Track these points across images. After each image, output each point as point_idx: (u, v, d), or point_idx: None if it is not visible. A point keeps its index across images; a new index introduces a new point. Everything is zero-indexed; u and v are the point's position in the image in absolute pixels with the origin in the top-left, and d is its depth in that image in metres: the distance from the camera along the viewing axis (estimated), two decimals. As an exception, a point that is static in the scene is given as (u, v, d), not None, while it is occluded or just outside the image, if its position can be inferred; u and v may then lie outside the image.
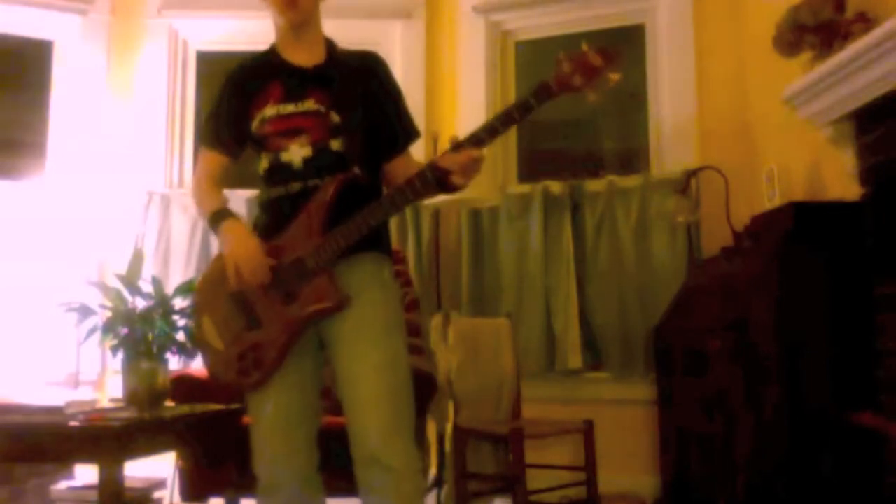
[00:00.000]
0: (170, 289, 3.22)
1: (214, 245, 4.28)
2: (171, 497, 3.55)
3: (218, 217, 2.09)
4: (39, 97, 4.50)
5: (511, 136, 4.49)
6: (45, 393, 3.33)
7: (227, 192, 4.71)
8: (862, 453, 2.56)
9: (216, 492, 3.15)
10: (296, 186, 2.04)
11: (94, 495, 2.85)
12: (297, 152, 2.05)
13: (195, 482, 3.19)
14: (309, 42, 2.14)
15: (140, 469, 3.20)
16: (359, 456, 1.96)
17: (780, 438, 2.65)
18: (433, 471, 3.63)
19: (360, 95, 2.09)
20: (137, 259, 3.07)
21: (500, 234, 4.19)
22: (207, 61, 4.68)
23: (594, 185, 4.15)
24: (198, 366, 3.92)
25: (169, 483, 3.66)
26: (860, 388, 2.59)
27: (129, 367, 2.80)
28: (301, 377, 2.07)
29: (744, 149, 3.87)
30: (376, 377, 1.96)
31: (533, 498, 3.40)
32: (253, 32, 4.60)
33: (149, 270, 3.86)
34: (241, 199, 4.33)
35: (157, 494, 3.68)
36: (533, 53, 4.56)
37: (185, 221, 4.33)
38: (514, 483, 3.30)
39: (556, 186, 4.14)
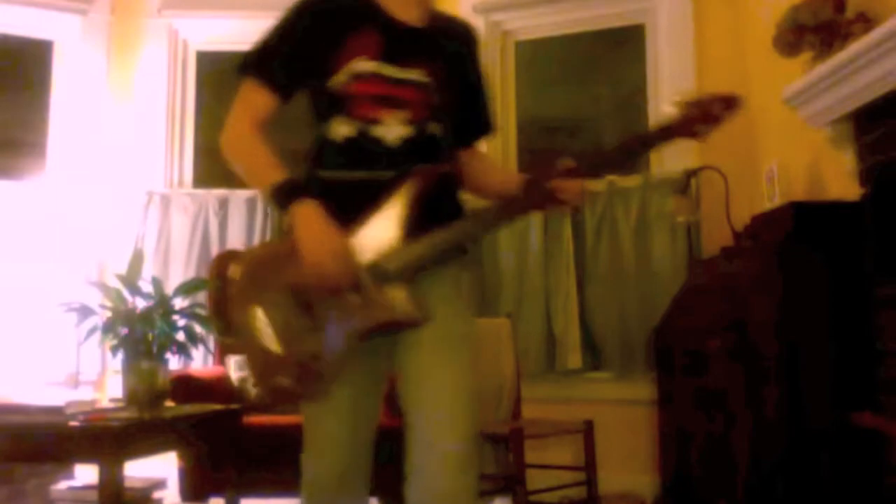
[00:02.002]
0: (170, 289, 3.23)
1: (215, 245, 4.29)
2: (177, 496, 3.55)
3: (288, 192, 1.64)
4: (39, 97, 4.50)
5: (511, 136, 4.49)
6: (45, 393, 3.33)
7: (225, 191, 4.77)
8: (861, 453, 2.56)
9: (216, 492, 3.15)
10: (388, 173, 1.67)
11: (94, 495, 2.86)
12: (394, 129, 1.68)
13: (195, 482, 3.19)
14: None
15: (140, 469, 3.20)
16: (422, 469, 1.66)
17: (779, 438, 2.65)
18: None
19: (455, 74, 1.78)
20: (137, 259, 3.08)
21: (499, 233, 4.19)
22: (207, 61, 4.69)
23: (594, 185, 4.14)
24: (197, 366, 3.93)
25: (169, 483, 3.66)
26: (860, 388, 2.59)
27: (129, 367, 2.80)
28: (370, 381, 1.77)
29: (744, 149, 3.87)
30: (455, 398, 1.68)
31: (533, 498, 3.40)
32: (253, 32, 4.59)
33: (149, 270, 3.87)
34: (240, 200, 4.33)
35: (157, 494, 3.68)
36: (533, 53, 4.56)
37: (185, 221, 4.33)
38: (514, 483, 3.30)
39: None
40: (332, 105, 1.70)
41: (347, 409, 1.71)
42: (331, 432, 1.72)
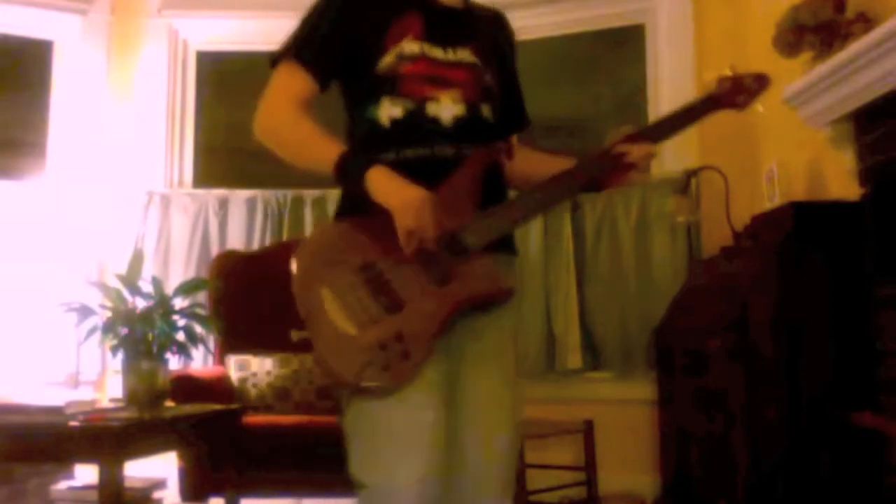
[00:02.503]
0: (170, 289, 3.23)
1: (215, 245, 4.29)
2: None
3: (359, 161, 1.56)
4: (39, 97, 4.50)
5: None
6: (45, 393, 3.33)
7: (225, 191, 4.77)
8: (861, 453, 2.56)
9: (216, 492, 3.15)
10: (447, 151, 1.61)
11: (94, 495, 2.86)
12: (448, 108, 1.62)
13: (195, 482, 3.19)
14: None
15: (140, 469, 3.20)
16: (466, 491, 1.60)
17: (779, 438, 2.65)
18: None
19: (495, 54, 1.75)
20: (137, 259, 3.08)
21: (499, 234, 4.18)
22: (207, 61, 4.69)
23: (594, 186, 4.14)
24: (197, 366, 3.93)
25: (169, 483, 3.66)
26: (860, 388, 2.59)
27: (129, 367, 2.80)
28: (448, 377, 1.61)
29: (744, 149, 3.87)
30: (506, 421, 1.63)
31: (533, 498, 3.40)
32: (253, 32, 4.61)
33: (149, 270, 3.87)
34: (240, 200, 4.33)
35: (157, 494, 3.68)
36: (532, 53, 4.55)
37: (185, 221, 4.33)
38: (514, 483, 3.30)
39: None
40: (378, 87, 1.63)
41: (440, 395, 1.55)
42: (424, 423, 1.52)
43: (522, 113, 1.90)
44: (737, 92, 1.81)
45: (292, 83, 1.64)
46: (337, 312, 1.53)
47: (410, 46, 1.63)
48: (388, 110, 1.62)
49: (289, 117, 1.63)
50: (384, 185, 1.53)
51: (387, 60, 1.62)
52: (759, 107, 1.87)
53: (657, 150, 1.76)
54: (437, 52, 1.64)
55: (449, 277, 1.55)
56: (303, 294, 1.56)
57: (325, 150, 1.58)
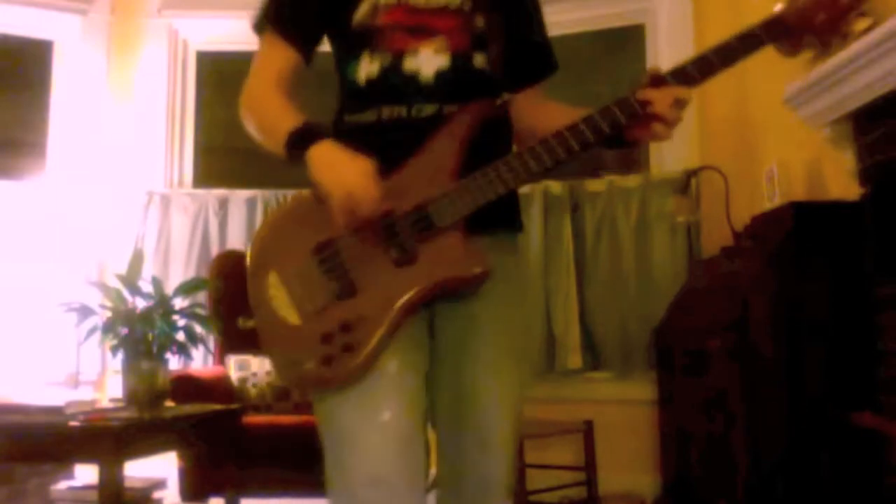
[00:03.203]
0: (170, 289, 3.23)
1: (215, 245, 4.29)
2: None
3: (303, 137, 1.37)
4: (39, 97, 4.50)
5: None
6: (45, 393, 3.33)
7: (225, 191, 4.76)
8: (861, 453, 2.56)
9: (216, 492, 3.15)
10: (427, 109, 1.42)
11: (94, 495, 2.86)
12: (429, 60, 1.42)
13: (195, 482, 3.19)
14: None
15: (140, 469, 3.20)
16: (456, 481, 1.50)
17: (779, 438, 2.65)
18: (433, 471, 3.63)
19: (500, 4, 1.52)
20: (137, 259, 3.08)
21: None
22: (207, 61, 4.69)
23: (594, 185, 4.14)
24: (197, 366, 3.93)
25: (169, 483, 3.66)
26: (860, 388, 2.59)
27: (129, 367, 2.80)
28: (422, 356, 1.44)
29: (744, 149, 3.87)
30: (505, 412, 1.47)
31: (533, 498, 3.40)
32: (253, 32, 4.61)
33: (149, 270, 3.87)
34: (240, 200, 4.33)
35: (157, 494, 3.68)
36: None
37: (185, 221, 4.33)
38: (514, 483, 3.30)
39: (556, 186, 4.14)
40: (358, 43, 1.46)
41: (406, 388, 1.38)
42: (383, 416, 1.35)
43: (547, 57, 1.64)
44: (821, 7, 1.42)
45: (272, 55, 1.52)
46: (281, 300, 1.39)
47: None
48: (366, 68, 1.45)
49: (257, 96, 1.50)
50: (321, 163, 1.34)
51: (362, 11, 1.45)
52: (859, 24, 1.46)
53: (690, 96, 1.41)
54: None
55: (411, 259, 1.36)
56: (251, 278, 1.42)
57: (279, 129, 1.39)
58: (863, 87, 2.57)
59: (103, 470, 2.32)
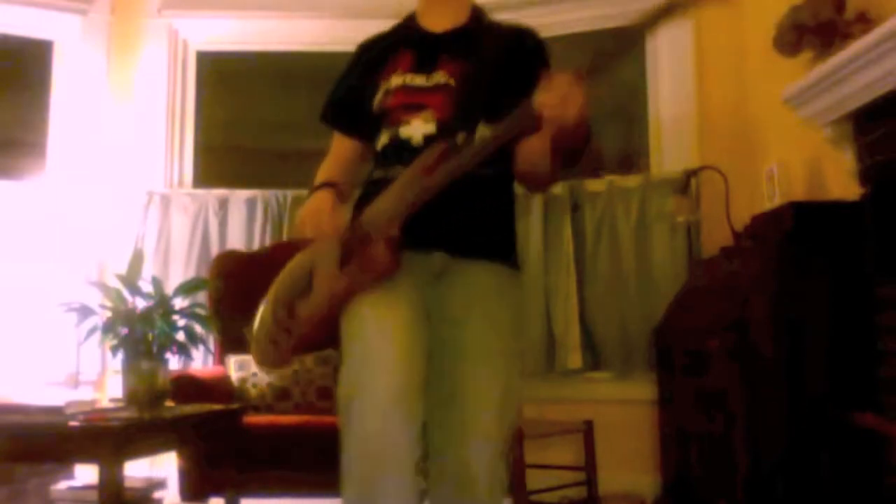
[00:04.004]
0: (170, 289, 3.23)
1: (215, 245, 4.29)
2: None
3: (315, 189, 1.82)
4: (39, 97, 4.50)
5: (511, 136, 4.49)
6: (45, 393, 3.33)
7: (225, 191, 4.75)
8: (861, 453, 2.56)
9: (216, 492, 3.15)
10: None
11: (94, 495, 2.86)
12: (418, 128, 1.76)
13: (195, 482, 3.19)
14: (452, 6, 1.87)
15: (140, 469, 3.21)
16: (444, 477, 1.64)
17: (779, 438, 2.65)
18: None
19: (499, 66, 1.78)
20: (137, 259, 3.08)
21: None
22: (207, 61, 4.68)
23: (594, 185, 4.14)
24: (197, 366, 3.93)
25: (169, 483, 3.67)
26: (860, 389, 2.59)
27: (129, 367, 2.80)
28: (417, 312, 1.68)
29: (744, 149, 3.87)
30: (487, 407, 1.63)
31: (533, 498, 3.40)
32: (253, 32, 4.62)
33: (149, 270, 3.87)
34: (240, 200, 4.33)
35: (157, 494, 3.68)
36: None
37: (185, 221, 4.33)
38: (514, 483, 3.30)
39: (555, 186, 4.14)
40: (378, 123, 1.82)
41: (403, 321, 1.63)
42: (382, 349, 1.59)
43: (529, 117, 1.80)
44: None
45: (335, 145, 1.94)
46: (275, 299, 1.81)
47: (394, 80, 1.80)
48: (381, 140, 1.81)
49: (321, 168, 1.92)
50: (310, 202, 1.78)
51: (378, 98, 1.82)
52: None
53: (574, 82, 1.50)
54: (420, 80, 1.79)
55: (347, 262, 1.67)
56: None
57: (316, 181, 1.84)
58: (863, 87, 2.57)
59: (103, 470, 2.32)
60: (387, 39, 1.90)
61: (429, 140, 1.73)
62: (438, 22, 1.86)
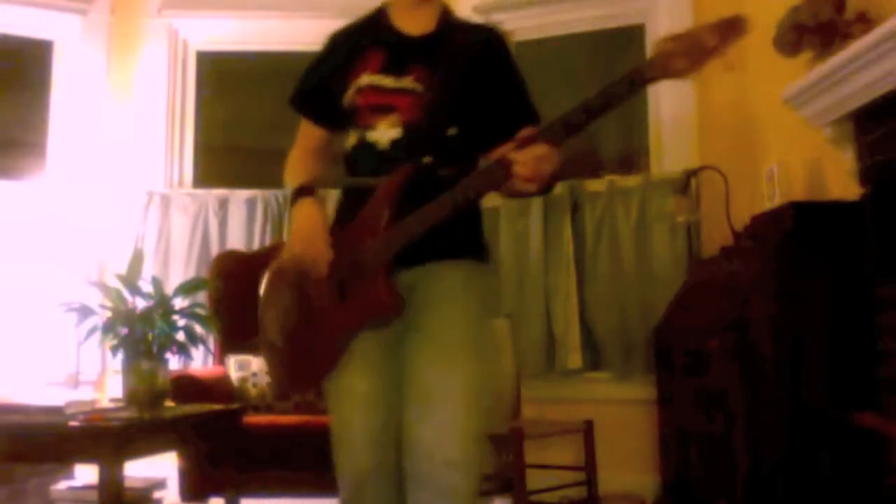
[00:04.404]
0: (170, 289, 3.23)
1: (215, 245, 4.29)
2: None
3: (296, 195, 1.84)
4: (39, 97, 4.50)
5: (511, 136, 4.49)
6: (45, 393, 3.33)
7: (225, 191, 4.75)
8: (862, 453, 2.56)
9: (216, 492, 3.15)
10: (381, 175, 1.77)
11: (94, 495, 2.86)
12: (384, 132, 1.78)
13: (195, 482, 3.19)
14: (425, 10, 1.88)
15: (140, 469, 3.20)
16: (415, 473, 1.67)
17: (779, 438, 2.65)
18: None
19: (468, 75, 1.82)
20: (137, 259, 3.07)
21: (500, 234, 4.19)
22: (207, 61, 4.68)
23: (594, 185, 4.15)
24: (197, 366, 3.93)
25: (169, 483, 3.66)
26: (860, 389, 2.59)
27: (129, 367, 2.80)
28: (392, 376, 1.76)
29: (744, 149, 3.87)
30: (451, 401, 1.67)
31: (533, 498, 3.40)
32: (253, 32, 4.62)
33: (149, 270, 3.87)
34: (240, 200, 4.33)
35: (157, 494, 3.68)
36: (533, 53, 4.55)
37: (185, 221, 4.33)
38: (514, 483, 3.30)
39: (556, 186, 4.14)
40: (348, 120, 1.85)
41: (365, 401, 1.74)
42: (350, 422, 1.75)
43: (528, 112, 1.87)
44: (683, 53, 1.57)
45: (304, 131, 1.96)
46: (273, 328, 1.87)
47: (364, 80, 1.81)
48: (349, 140, 1.85)
49: (291, 155, 1.95)
50: (294, 218, 1.81)
51: (348, 95, 1.83)
52: (692, 75, 1.55)
53: (549, 152, 1.60)
54: (388, 81, 1.81)
55: (348, 295, 1.75)
56: (260, 312, 1.91)
57: (290, 183, 1.88)
58: (863, 87, 2.57)
59: (103, 470, 2.32)
60: (359, 33, 1.90)
61: (395, 144, 1.77)
62: (410, 25, 1.87)
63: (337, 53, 1.90)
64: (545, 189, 1.72)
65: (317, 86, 1.92)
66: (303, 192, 1.83)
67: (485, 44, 1.89)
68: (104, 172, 4.35)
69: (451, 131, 1.79)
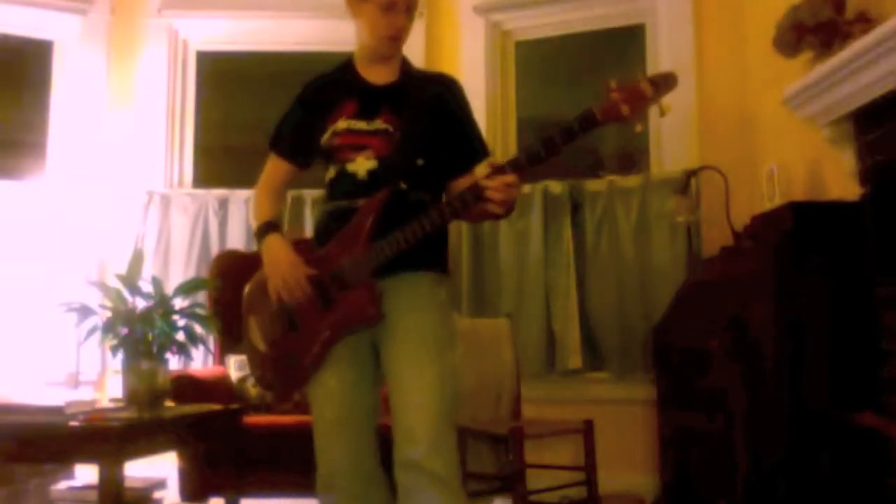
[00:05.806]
0: (170, 289, 3.22)
1: (215, 245, 4.30)
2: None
3: (262, 231, 2.17)
4: (39, 97, 4.50)
5: (511, 136, 4.49)
6: (45, 393, 3.33)
7: (225, 191, 4.76)
8: (862, 454, 2.56)
9: (216, 492, 3.15)
10: (359, 201, 2.07)
11: (94, 495, 2.86)
12: (362, 164, 2.10)
13: (195, 482, 3.19)
14: (389, 65, 2.21)
15: (140, 469, 3.20)
16: (402, 459, 1.95)
17: (779, 438, 2.65)
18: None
19: (429, 116, 2.15)
20: (137, 259, 3.07)
21: (500, 234, 4.19)
22: (207, 61, 4.69)
23: (594, 185, 4.14)
24: (197, 366, 3.93)
25: (169, 483, 3.66)
26: (861, 389, 2.59)
27: (129, 367, 2.80)
28: (359, 373, 2.09)
29: (744, 149, 3.87)
30: (427, 390, 1.97)
31: (533, 498, 3.40)
32: (253, 32, 4.62)
33: (149, 270, 3.87)
34: (240, 200, 4.33)
35: (157, 494, 3.68)
36: (533, 53, 4.56)
37: (185, 221, 4.33)
38: (514, 483, 3.30)
39: (556, 186, 4.14)
40: (326, 158, 2.18)
41: (340, 397, 2.06)
42: (327, 418, 2.06)
43: (477, 147, 2.22)
44: (625, 101, 1.88)
45: (271, 167, 2.28)
46: (256, 334, 2.16)
47: (341, 124, 2.13)
48: (329, 172, 2.17)
49: (258, 193, 2.27)
50: (267, 252, 2.13)
51: (325, 137, 2.15)
52: (637, 125, 1.89)
53: (515, 181, 1.92)
54: (362, 125, 2.13)
55: (330, 304, 2.04)
56: (244, 320, 2.20)
57: (256, 219, 2.22)
58: (863, 87, 2.57)
59: (103, 470, 2.32)
60: (332, 85, 2.22)
61: (372, 174, 2.08)
62: (376, 76, 2.18)
63: (312, 101, 2.22)
64: (508, 212, 2.00)
65: (294, 129, 2.24)
66: (269, 227, 2.16)
67: (442, 91, 2.20)
68: (104, 172, 4.35)
69: (420, 161, 2.10)
